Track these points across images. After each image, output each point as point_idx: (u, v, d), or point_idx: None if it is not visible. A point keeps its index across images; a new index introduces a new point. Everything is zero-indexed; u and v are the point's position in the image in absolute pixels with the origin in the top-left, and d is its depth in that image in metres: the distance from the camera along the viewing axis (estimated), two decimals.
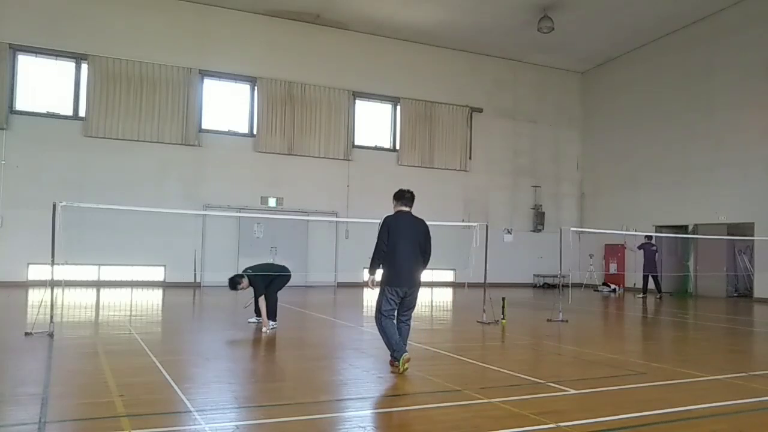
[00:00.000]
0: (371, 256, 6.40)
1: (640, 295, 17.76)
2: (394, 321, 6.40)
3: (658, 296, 17.67)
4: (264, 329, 9.15)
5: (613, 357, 7.58)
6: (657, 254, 18.05)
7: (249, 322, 9.88)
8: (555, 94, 23.52)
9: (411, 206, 6.63)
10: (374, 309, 6.45)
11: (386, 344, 6.31)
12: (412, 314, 6.59)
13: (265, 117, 19.11)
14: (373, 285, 6.55)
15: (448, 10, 18.74)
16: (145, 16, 17.89)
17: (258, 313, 9.64)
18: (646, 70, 21.12)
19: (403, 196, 6.62)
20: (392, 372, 6.15)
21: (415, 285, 6.42)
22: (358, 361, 7.10)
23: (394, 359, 6.20)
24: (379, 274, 6.48)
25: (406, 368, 6.08)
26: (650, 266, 17.77)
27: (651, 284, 17.89)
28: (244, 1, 18.35)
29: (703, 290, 19.01)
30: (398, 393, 5.56)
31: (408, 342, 6.46)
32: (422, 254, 6.49)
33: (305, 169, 19.47)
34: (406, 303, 6.43)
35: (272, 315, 9.47)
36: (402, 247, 6.33)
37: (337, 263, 19.45)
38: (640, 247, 18.08)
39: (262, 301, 9.27)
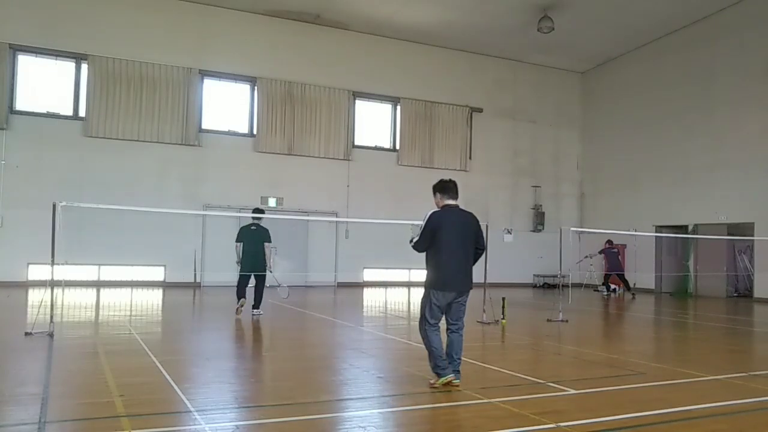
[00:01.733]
0: (413, 242, 5.68)
1: (630, 294, 18.30)
2: (440, 332, 5.57)
3: (605, 293, 18.76)
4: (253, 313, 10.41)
5: (612, 357, 7.58)
6: (619, 256, 18.99)
7: (253, 317, 10.01)
8: (555, 94, 23.51)
9: (457, 198, 5.80)
10: (418, 315, 5.68)
11: (429, 358, 5.51)
12: (463, 323, 5.73)
13: (265, 117, 19.11)
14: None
15: (448, 10, 18.73)
16: (145, 16, 17.88)
17: (242, 299, 10.51)
18: (646, 70, 21.10)
19: (447, 188, 5.77)
20: (432, 387, 5.43)
21: (465, 289, 5.60)
22: (358, 361, 7.10)
23: (438, 376, 5.41)
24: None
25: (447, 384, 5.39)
26: (615, 267, 18.52)
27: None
28: (244, 1, 18.35)
29: (703, 290, 18.99)
30: (398, 393, 5.55)
31: (419, 343, 5.82)
32: (475, 252, 5.71)
33: (305, 169, 19.45)
34: (454, 309, 5.62)
35: (258, 303, 10.54)
36: (450, 246, 5.50)
37: (337, 263, 19.42)
38: (601, 252, 18.90)
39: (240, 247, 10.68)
